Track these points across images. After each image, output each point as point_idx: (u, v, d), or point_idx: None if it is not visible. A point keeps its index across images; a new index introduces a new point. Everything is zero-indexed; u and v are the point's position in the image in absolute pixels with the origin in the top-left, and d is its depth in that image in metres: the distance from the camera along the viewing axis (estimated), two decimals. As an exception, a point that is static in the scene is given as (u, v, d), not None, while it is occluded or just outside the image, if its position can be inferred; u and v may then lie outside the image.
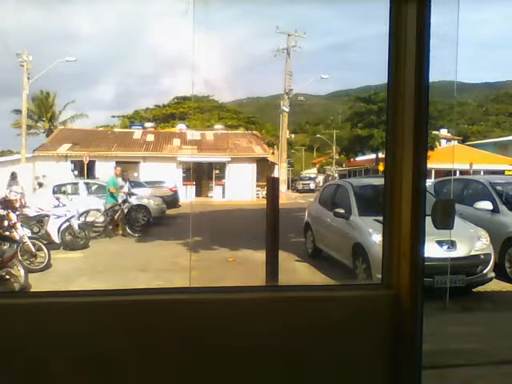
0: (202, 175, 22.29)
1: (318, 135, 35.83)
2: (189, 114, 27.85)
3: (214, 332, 1.98)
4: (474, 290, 6.68)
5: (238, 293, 2.16)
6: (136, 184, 17.49)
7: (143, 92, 37.14)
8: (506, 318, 5.49)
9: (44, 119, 24.69)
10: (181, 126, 25.76)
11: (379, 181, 8.56)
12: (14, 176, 13.75)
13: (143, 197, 13.94)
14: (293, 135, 33.42)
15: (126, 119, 30.19)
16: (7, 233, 7.74)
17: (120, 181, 12.58)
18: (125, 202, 12.24)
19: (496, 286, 6.88)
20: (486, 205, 8.07)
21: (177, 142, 23.25)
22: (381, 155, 23.51)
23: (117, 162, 20.74)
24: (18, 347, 1.89)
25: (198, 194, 21.45)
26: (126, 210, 12.17)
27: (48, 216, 9.91)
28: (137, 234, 11.93)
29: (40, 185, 16.24)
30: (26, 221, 9.47)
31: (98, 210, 11.97)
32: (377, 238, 6.42)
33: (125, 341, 1.95)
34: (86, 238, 10.13)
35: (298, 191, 26.85)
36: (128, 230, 11.90)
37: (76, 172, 19.49)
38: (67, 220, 9.91)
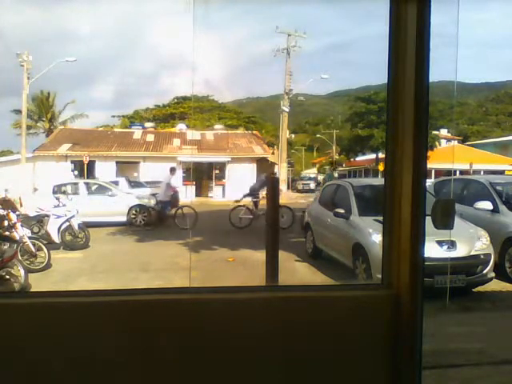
0: (202, 175, 22.28)
1: (317, 135, 35.78)
2: (189, 114, 27.83)
3: (213, 332, 1.98)
4: (473, 289, 6.69)
5: (237, 293, 2.15)
6: (136, 184, 17.57)
7: (143, 92, 37.11)
8: (506, 318, 5.49)
9: (44, 119, 24.66)
10: (181, 126, 25.73)
11: (379, 181, 8.56)
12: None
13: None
14: (293, 135, 33.37)
15: (126, 119, 30.18)
16: (7, 233, 7.74)
17: None
18: None
19: (496, 285, 6.89)
20: (486, 205, 8.07)
21: (177, 142, 23.23)
22: (381, 155, 23.47)
23: (117, 162, 20.79)
24: (18, 347, 1.89)
25: (198, 193, 21.45)
26: None
27: (48, 216, 9.92)
28: None
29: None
30: (26, 221, 9.48)
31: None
32: (377, 238, 6.42)
33: (125, 341, 1.95)
34: (86, 237, 10.13)
35: (298, 191, 26.80)
36: None
37: (76, 172, 19.49)
38: (67, 220, 9.91)
